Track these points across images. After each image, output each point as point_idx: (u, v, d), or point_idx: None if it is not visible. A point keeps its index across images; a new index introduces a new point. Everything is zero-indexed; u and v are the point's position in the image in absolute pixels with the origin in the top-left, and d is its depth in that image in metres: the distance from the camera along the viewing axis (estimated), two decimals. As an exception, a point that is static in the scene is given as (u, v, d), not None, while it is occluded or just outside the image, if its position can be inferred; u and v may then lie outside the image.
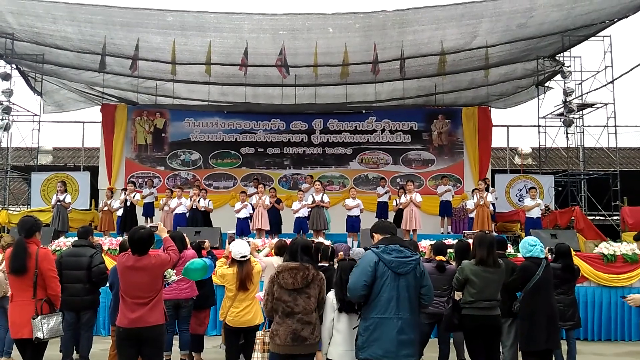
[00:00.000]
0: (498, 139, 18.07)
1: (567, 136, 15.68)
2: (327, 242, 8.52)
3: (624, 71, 13.41)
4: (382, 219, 5.23)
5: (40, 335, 4.99)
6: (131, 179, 15.92)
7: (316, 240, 9.43)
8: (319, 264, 5.97)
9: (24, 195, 17.77)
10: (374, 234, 4.41)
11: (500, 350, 5.88)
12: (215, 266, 6.12)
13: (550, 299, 5.61)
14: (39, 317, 5.00)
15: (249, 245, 6.08)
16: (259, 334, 5.27)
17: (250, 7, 30.28)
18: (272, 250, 7.43)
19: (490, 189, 14.29)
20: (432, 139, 17.13)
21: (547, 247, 7.11)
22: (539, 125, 16.03)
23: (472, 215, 13.41)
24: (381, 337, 4.00)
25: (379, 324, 4.01)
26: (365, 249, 4.38)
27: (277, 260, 6.54)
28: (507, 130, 18.30)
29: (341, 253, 6.49)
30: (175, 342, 7.21)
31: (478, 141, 16.76)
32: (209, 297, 7.34)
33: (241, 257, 5.73)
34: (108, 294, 7.29)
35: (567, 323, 6.87)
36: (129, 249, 4.98)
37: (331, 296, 4.64)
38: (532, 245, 5.66)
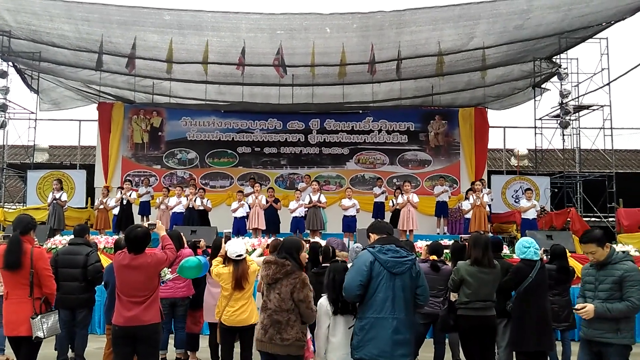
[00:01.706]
0: (494, 140, 18.21)
1: (563, 138, 15.77)
2: (323, 243, 8.52)
3: (621, 73, 13.48)
4: (379, 219, 5.19)
5: (40, 334, 4.96)
6: (127, 178, 15.91)
7: (312, 240, 9.44)
8: (322, 265, 5.94)
9: (19, 193, 17.72)
10: (370, 233, 4.40)
11: (495, 350, 5.90)
12: (210, 264, 6.12)
13: (543, 301, 5.61)
14: (39, 317, 4.98)
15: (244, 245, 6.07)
16: None
17: (248, 7, 30.28)
18: (268, 250, 7.42)
19: (486, 189, 14.31)
20: (429, 139, 17.15)
21: (543, 249, 7.12)
22: (535, 127, 16.10)
23: (467, 216, 13.44)
24: (376, 336, 4.00)
25: (374, 324, 4.02)
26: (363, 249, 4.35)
27: (271, 259, 6.53)
28: (504, 132, 18.41)
29: (345, 253, 6.41)
30: (171, 341, 7.21)
31: (474, 142, 16.79)
32: (205, 296, 7.33)
33: (237, 256, 5.73)
34: (104, 293, 7.28)
35: (562, 324, 6.88)
36: (125, 248, 4.98)
37: (324, 302, 4.53)
38: (526, 247, 5.66)
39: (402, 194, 12.87)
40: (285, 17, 12.79)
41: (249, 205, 12.90)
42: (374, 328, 4.01)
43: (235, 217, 12.87)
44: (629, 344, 4.50)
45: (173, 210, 13.17)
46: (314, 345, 4.94)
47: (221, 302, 5.82)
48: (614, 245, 7.53)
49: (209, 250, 7.88)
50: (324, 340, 4.48)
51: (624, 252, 4.77)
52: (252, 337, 5.96)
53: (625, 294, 4.45)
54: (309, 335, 4.76)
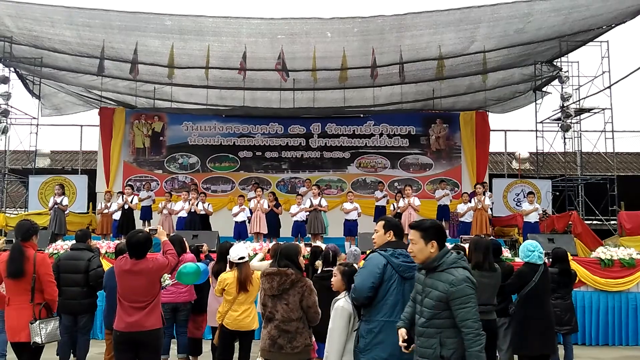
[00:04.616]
0: (496, 144, 18.19)
1: (564, 141, 15.74)
2: (323, 246, 8.52)
3: (621, 76, 13.46)
4: (398, 220, 4.88)
5: (38, 340, 4.96)
6: (129, 183, 15.91)
7: (313, 244, 9.44)
8: (325, 269, 5.94)
9: (21, 198, 17.72)
10: (390, 230, 4.22)
11: (497, 354, 5.88)
12: (210, 271, 6.12)
13: (546, 304, 5.60)
14: (37, 322, 4.97)
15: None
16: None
17: (249, 12, 30.35)
18: (269, 254, 7.43)
19: (487, 193, 14.29)
20: (430, 143, 17.16)
21: (544, 252, 7.12)
22: (536, 130, 16.09)
23: (462, 219, 13.43)
24: (385, 340, 3.95)
25: (384, 327, 3.97)
26: (372, 251, 4.27)
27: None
28: (505, 135, 18.40)
29: (343, 255, 6.42)
30: (173, 346, 7.20)
31: (476, 146, 16.79)
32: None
33: (239, 259, 5.74)
34: (105, 298, 7.28)
35: (564, 327, 6.87)
36: (127, 253, 4.98)
37: (345, 305, 4.32)
38: (530, 251, 5.64)
39: (403, 197, 12.88)
40: (286, 21, 12.80)
41: (251, 210, 12.90)
42: (383, 331, 3.97)
43: (236, 222, 12.88)
44: None
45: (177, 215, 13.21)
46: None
47: (223, 307, 5.83)
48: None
49: (213, 255, 7.89)
50: (339, 347, 4.22)
51: (458, 252, 3.62)
52: (251, 342, 5.98)
53: (457, 317, 3.30)
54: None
